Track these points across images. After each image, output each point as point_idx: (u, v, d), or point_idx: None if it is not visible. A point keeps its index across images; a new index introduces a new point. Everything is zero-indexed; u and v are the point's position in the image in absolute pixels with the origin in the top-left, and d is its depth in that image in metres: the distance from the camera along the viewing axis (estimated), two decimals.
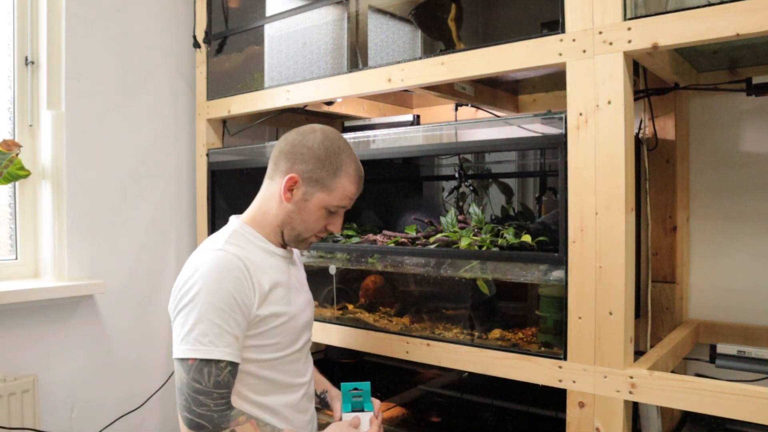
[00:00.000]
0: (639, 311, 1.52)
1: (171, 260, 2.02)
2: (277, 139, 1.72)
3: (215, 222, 1.96)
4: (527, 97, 1.98)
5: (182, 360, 1.06)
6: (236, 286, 1.10)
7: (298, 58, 1.75)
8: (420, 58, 1.43)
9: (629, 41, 1.12)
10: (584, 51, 1.17)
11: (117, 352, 1.87)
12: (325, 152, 1.19)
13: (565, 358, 1.21)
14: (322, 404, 1.38)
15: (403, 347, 1.46)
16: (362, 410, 1.24)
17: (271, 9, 1.82)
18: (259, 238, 1.22)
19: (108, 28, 1.84)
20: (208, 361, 1.05)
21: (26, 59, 1.74)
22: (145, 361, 1.95)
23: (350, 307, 1.67)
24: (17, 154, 1.60)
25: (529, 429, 1.59)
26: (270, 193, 1.23)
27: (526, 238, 1.35)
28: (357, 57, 1.62)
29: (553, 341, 1.28)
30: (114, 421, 1.84)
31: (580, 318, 1.18)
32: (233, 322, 1.08)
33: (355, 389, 1.26)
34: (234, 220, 1.25)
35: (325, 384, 1.41)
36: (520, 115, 1.93)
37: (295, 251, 1.39)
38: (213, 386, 1.05)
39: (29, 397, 1.62)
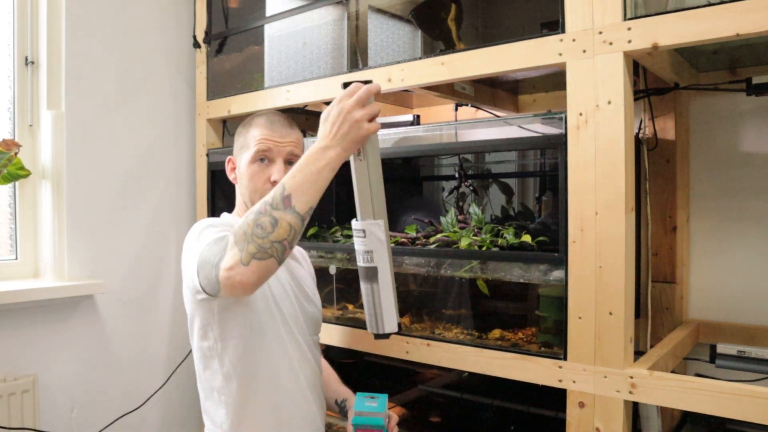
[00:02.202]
0: (639, 311, 1.52)
1: (171, 260, 2.02)
2: None
3: None
4: (527, 97, 1.98)
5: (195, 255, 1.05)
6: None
7: (298, 58, 1.75)
8: (420, 58, 1.43)
9: (629, 41, 1.12)
10: (584, 51, 1.17)
11: (117, 352, 1.87)
12: (242, 125, 1.30)
13: (565, 358, 1.21)
14: (342, 413, 1.38)
15: (403, 347, 1.46)
16: (373, 413, 1.19)
17: (271, 9, 1.82)
18: None
19: (108, 28, 1.84)
20: (221, 238, 1.01)
21: (26, 59, 1.74)
22: (145, 361, 1.95)
23: (350, 307, 1.67)
24: (16, 153, 1.60)
25: (529, 429, 1.58)
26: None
27: (526, 238, 1.35)
28: (357, 57, 1.62)
29: (553, 341, 1.28)
30: (114, 421, 1.84)
31: (580, 318, 1.18)
32: None
33: (371, 397, 1.23)
34: (224, 215, 1.33)
35: (345, 393, 1.41)
36: (520, 115, 1.93)
37: (302, 252, 1.40)
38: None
39: (29, 397, 1.62)
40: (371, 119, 0.98)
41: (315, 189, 0.95)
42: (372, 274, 1.01)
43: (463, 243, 1.41)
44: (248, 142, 1.25)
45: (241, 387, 1.16)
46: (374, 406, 1.20)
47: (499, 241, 1.39)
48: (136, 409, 1.90)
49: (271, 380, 1.18)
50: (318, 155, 0.97)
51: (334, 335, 1.60)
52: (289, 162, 1.24)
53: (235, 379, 1.16)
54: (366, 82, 0.99)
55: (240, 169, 1.27)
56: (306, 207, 0.95)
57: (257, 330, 1.17)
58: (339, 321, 1.64)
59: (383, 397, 1.22)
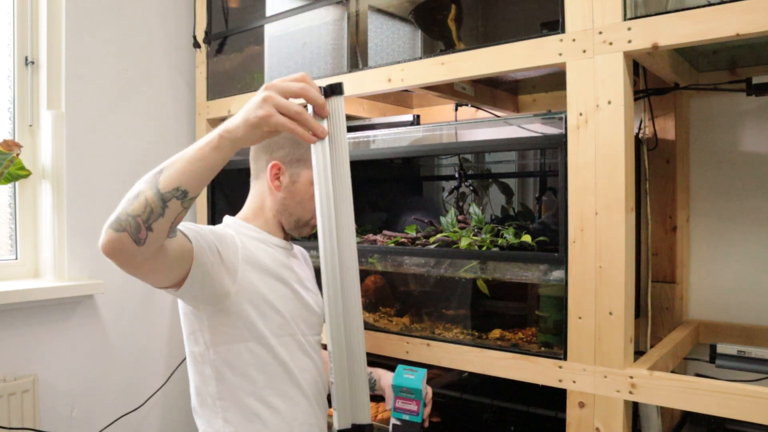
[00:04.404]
0: (639, 311, 1.52)
1: None
2: None
3: (215, 222, 1.95)
4: (527, 97, 1.98)
5: None
6: (220, 237, 1.09)
7: (298, 58, 1.75)
8: (420, 58, 1.43)
9: (629, 41, 1.12)
10: (584, 51, 1.17)
11: (117, 352, 1.87)
12: None
13: (565, 358, 1.21)
14: (370, 387, 1.38)
15: (403, 347, 1.46)
16: (411, 390, 1.24)
17: (271, 9, 1.82)
18: (252, 228, 1.22)
19: (108, 28, 1.84)
20: None
21: (26, 59, 1.74)
22: (144, 361, 1.95)
23: None
24: (18, 155, 1.60)
25: (529, 429, 1.58)
26: (259, 190, 1.25)
27: (526, 238, 1.35)
28: (357, 57, 1.62)
29: (553, 341, 1.28)
30: (114, 421, 1.84)
31: (580, 318, 1.18)
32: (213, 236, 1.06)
33: (411, 369, 1.28)
34: (227, 217, 1.27)
35: (370, 369, 1.40)
36: (520, 115, 1.93)
37: (303, 251, 1.39)
38: None
39: (29, 397, 1.62)
40: (284, 114, 0.85)
41: (186, 168, 0.86)
42: None
43: (463, 243, 1.41)
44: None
45: (237, 393, 1.15)
46: (412, 379, 1.25)
47: (499, 241, 1.40)
48: (136, 409, 1.90)
49: (268, 384, 1.17)
50: (210, 133, 0.89)
51: None
52: None
53: (229, 386, 1.15)
54: (336, 87, 0.90)
55: (295, 184, 1.20)
56: (170, 185, 0.85)
57: (251, 335, 1.14)
58: None
59: (422, 371, 1.27)
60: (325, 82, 1.61)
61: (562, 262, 1.21)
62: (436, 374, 1.93)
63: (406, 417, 1.24)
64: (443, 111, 2.09)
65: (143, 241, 0.85)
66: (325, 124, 0.89)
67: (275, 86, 0.87)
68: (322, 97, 0.89)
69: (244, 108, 0.89)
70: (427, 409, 1.26)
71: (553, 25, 1.22)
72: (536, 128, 1.29)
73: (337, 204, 0.89)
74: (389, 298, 1.64)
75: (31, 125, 1.75)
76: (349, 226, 0.89)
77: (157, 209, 0.85)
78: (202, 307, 1.12)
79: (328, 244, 0.89)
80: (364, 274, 1.67)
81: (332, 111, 0.88)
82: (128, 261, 0.87)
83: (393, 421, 1.25)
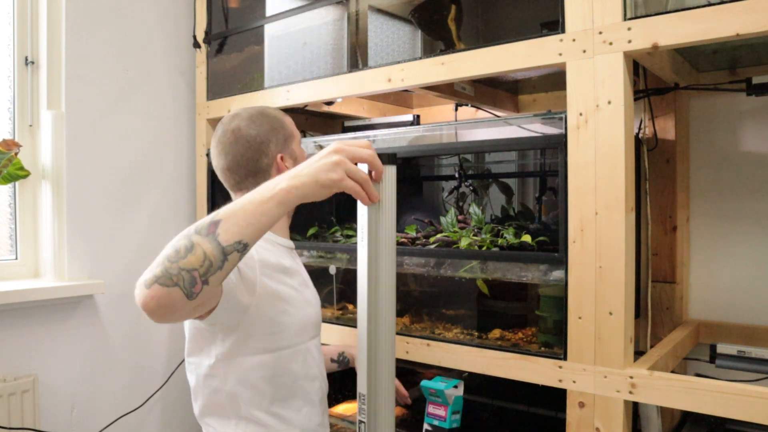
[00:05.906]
0: (639, 311, 1.52)
1: None
2: None
3: None
4: (527, 97, 1.98)
5: None
6: None
7: (298, 58, 1.75)
8: (420, 58, 1.43)
9: (629, 41, 1.12)
10: (584, 51, 1.17)
11: (117, 352, 1.87)
12: (266, 122, 1.25)
13: (565, 358, 1.21)
14: (342, 365, 1.45)
15: (403, 347, 1.46)
16: (437, 392, 1.34)
17: (271, 9, 1.82)
18: None
19: (108, 28, 1.84)
20: None
21: (26, 59, 1.74)
22: (144, 361, 1.95)
23: (350, 307, 1.67)
24: (16, 153, 1.60)
25: (529, 429, 1.58)
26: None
27: (526, 238, 1.35)
28: (357, 57, 1.62)
29: (553, 341, 1.28)
30: (114, 421, 1.84)
31: (580, 318, 1.18)
32: None
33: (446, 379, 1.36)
34: None
35: (338, 348, 1.47)
36: (520, 115, 1.93)
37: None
38: None
39: (29, 397, 1.62)
40: (353, 179, 0.88)
41: (250, 221, 0.84)
42: None
43: (463, 243, 1.41)
44: (293, 131, 1.26)
45: (247, 405, 1.14)
46: (440, 384, 1.34)
47: (499, 241, 1.40)
48: (136, 409, 1.90)
49: (276, 396, 1.16)
50: (271, 184, 0.87)
51: (334, 335, 1.61)
52: None
53: (239, 397, 1.14)
54: (392, 157, 0.96)
55: (297, 160, 1.24)
56: (232, 239, 0.82)
57: (263, 348, 1.14)
58: (339, 321, 1.64)
59: (455, 381, 1.36)
60: (324, 82, 1.62)
61: (562, 262, 1.21)
62: (437, 374, 1.93)
63: (436, 422, 1.31)
64: (443, 111, 2.09)
65: (196, 295, 0.82)
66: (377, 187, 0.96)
67: (346, 151, 0.89)
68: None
69: (311, 165, 0.88)
70: None
71: (553, 25, 1.22)
72: (536, 128, 1.29)
73: (379, 264, 0.93)
74: None
75: (31, 125, 1.75)
76: (390, 286, 0.93)
77: (216, 263, 0.82)
78: (219, 325, 1.11)
79: (371, 302, 0.94)
80: None
81: (386, 177, 0.94)
82: (172, 314, 0.85)
83: (425, 426, 1.32)
